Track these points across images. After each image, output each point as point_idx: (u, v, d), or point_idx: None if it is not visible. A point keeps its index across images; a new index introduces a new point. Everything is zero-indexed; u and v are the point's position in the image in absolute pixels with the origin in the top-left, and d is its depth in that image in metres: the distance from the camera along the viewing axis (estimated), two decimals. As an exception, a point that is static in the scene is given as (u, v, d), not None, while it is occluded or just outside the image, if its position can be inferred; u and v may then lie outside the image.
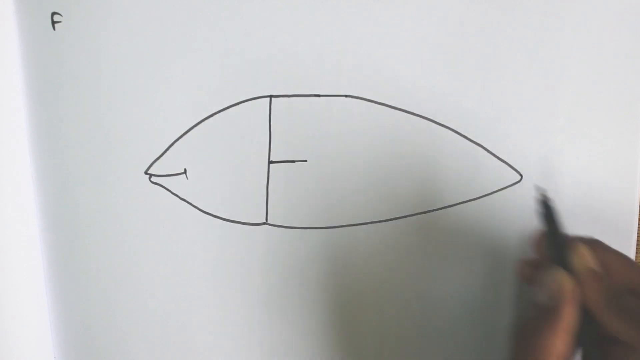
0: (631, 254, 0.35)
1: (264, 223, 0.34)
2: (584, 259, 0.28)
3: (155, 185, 0.33)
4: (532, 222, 0.34)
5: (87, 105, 0.32)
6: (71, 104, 0.32)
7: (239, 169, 0.33)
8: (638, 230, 0.35)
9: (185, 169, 0.33)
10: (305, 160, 0.33)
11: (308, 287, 0.34)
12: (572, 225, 0.34)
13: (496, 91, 0.33)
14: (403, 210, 0.34)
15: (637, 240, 0.35)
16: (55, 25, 0.32)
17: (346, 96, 0.33)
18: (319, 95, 0.33)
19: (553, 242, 0.29)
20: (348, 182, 0.33)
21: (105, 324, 0.34)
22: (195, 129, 0.33)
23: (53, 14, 0.32)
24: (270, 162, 0.33)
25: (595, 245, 0.29)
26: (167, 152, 0.33)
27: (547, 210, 0.29)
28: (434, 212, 0.34)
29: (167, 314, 0.34)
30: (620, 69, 0.33)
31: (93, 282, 0.34)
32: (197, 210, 0.33)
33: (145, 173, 0.33)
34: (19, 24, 0.32)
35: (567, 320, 0.27)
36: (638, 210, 0.35)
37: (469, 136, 0.33)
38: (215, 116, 0.33)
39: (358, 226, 0.34)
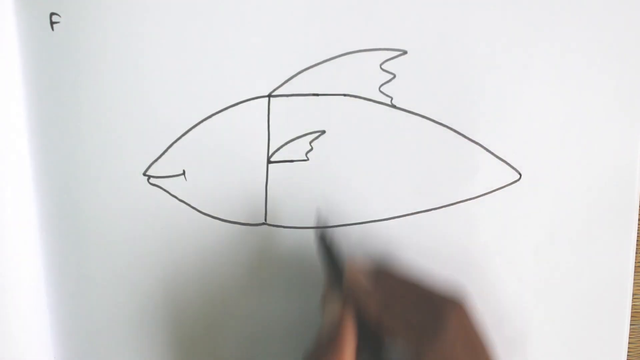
0: (631, 254, 0.35)
1: (263, 223, 0.34)
2: (353, 280, 0.30)
3: (154, 187, 0.33)
4: (531, 220, 0.34)
5: (86, 105, 0.32)
6: (70, 104, 0.32)
7: (238, 170, 0.33)
8: (638, 230, 0.35)
9: (184, 170, 0.33)
10: (304, 160, 0.33)
11: (307, 287, 0.34)
12: (572, 225, 0.34)
13: (495, 90, 0.33)
14: (402, 209, 0.34)
15: (637, 240, 0.35)
16: (54, 25, 0.32)
17: (344, 95, 0.33)
18: (317, 95, 0.33)
19: (332, 273, 0.30)
20: (347, 181, 0.33)
21: (105, 324, 0.34)
22: (193, 130, 0.33)
23: (51, 14, 0.32)
24: (269, 162, 0.33)
25: (380, 269, 0.30)
26: (166, 153, 0.33)
27: (325, 245, 0.31)
28: (433, 210, 0.34)
29: (166, 314, 0.34)
30: (620, 68, 0.33)
31: (92, 283, 0.34)
32: (196, 212, 0.33)
33: (144, 174, 0.33)
34: (18, 25, 0.32)
35: (348, 342, 0.29)
36: (638, 210, 0.35)
37: (467, 135, 0.33)
38: (214, 117, 0.33)
39: (357, 225, 0.34)
